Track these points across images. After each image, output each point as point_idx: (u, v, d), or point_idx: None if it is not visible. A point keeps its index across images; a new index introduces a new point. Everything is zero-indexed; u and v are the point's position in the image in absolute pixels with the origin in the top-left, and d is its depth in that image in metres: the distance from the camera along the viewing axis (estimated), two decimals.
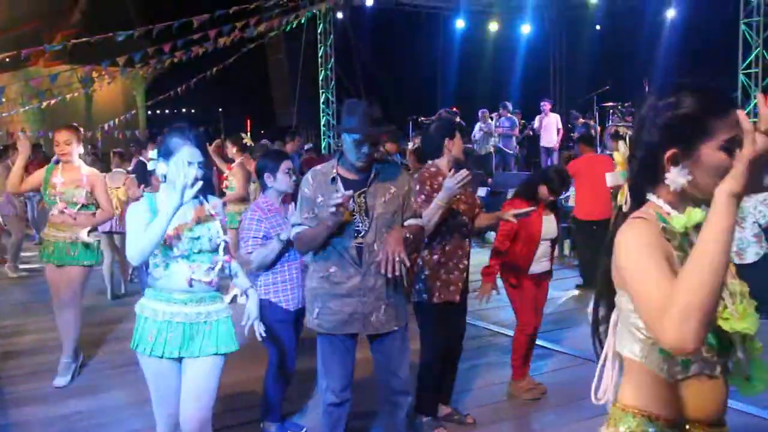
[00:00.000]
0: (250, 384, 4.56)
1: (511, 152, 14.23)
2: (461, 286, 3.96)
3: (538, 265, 4.56)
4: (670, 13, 15.87)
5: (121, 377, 5.10)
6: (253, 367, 4.50)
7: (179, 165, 2.89)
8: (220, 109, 31.43)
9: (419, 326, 4.01)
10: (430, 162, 4.03)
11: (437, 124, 4.18)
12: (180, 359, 3.00)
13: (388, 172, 3.30)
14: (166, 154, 2.94)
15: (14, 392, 4.92)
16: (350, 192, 3.08)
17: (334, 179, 3.21)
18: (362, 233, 3.18)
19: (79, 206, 4.93)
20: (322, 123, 18.54)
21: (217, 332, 3.01)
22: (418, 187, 3.81)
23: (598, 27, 18.10)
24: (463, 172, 3.62)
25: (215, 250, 3.01)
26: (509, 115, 14.35)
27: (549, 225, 4.55)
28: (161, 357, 2.94)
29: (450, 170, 3.90)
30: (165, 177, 2.98)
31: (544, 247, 4.55)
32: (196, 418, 2.98)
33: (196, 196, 2.95)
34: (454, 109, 14.88)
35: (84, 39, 10.00)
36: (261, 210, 3.92)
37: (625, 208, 1.70)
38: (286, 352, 3.93)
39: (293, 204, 3.75)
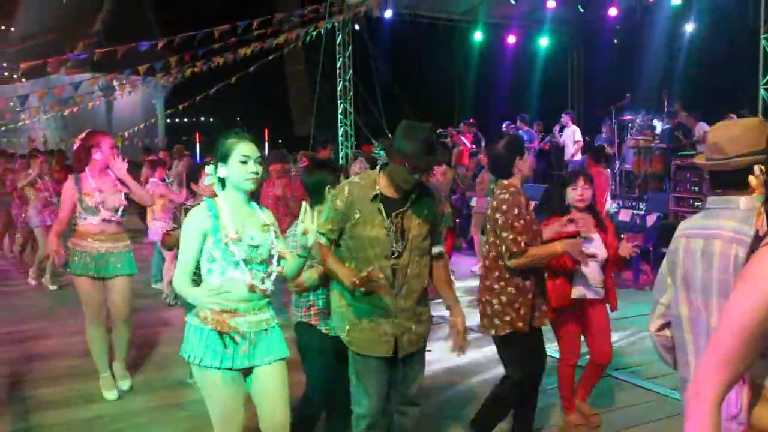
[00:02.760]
0: None
1: None
2: (545, 309, 3.80)
3: (580, 291, 4.18)
4: (689, 27, 15.82)
5: (143, 383, 5.15)
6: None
7: (238, 163, 2.87)
8: (239, 119, 31.64)
9: (509, 358, 3.81)
10: (505, 182, 3.74)
11: (506, 142, 3.81)
12: (242, 371, 2.93)
13: (424, 193, 3.23)
14: (223, 157, 2.91)
15: (36, 396, 4.98)
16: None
17: (376, 197, 3.12)
18: (396, 254, 3.12)
19: (121, 210, 4.92)
20: (340, 133, 18.61)
21: (272, 339, 2.99)
22: (515, 211, 3.58)
23: (615, 41, 18.08)
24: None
25: (270, 261, 2.96)
26: (527, 128, 14.34)
27: (594, 246, 4.14)
28: (230, 369, 2.86)
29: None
30: (223, 183, 2.94)
31: (590, 271, 4.16)
32: (282, 422, 2.96)
33: (250, 202, 2.99)
34: (472, 121, 14.90)
35: (108, 48, 10.13)
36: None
37: (761, 232, 1.69)
38: (319, 384, 3.64)
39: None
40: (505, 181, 3.74)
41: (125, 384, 5.02)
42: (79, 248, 4.81)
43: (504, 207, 3.61)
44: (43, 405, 4.80)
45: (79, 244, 4.81)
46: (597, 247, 4.15)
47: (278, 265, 2.99)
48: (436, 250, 3.33)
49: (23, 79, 20.68)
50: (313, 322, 3.55)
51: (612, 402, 4.76)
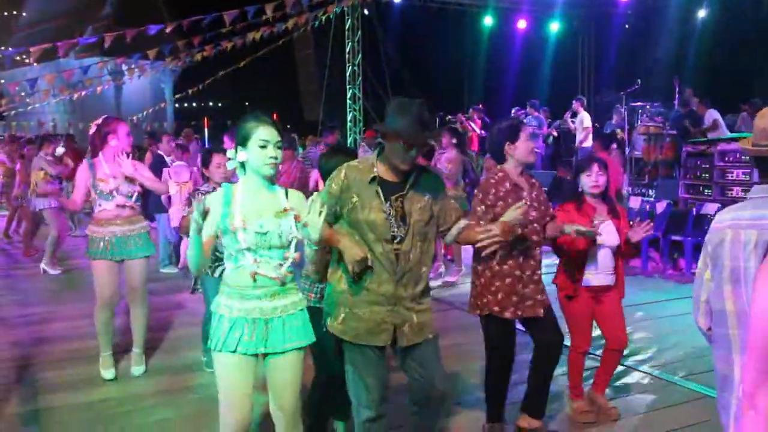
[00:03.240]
0: None
1: (538, 151, 14.14)
2: (541, 299, 3.75)
3: (596, 278, 4.14)
4: (702, 12, 15.66)
5: (151, 366, 5.17)
6: None
7: (257, 147, 2.85)
8: (247, 104, 31.62)
9: (485, 335, 3.84)
10: (498, 166, 3.80)
11: (497, 127, 3.85)
12: (256, 356, 2.93)
13: (425, 176, 3.14)
14: (242, 141, 2.88)
15: (44, 379, 5.01)
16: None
17: (373, 179, 3.03)
18: (398, 239, 3.02)
19: (135, 196, 4.94)
20: (349, 118, 18.59)
21: (292, 325, 2.94)
22: (480, 195, 3.67)
23: (627, 26, 17.93)
24: (521, 206, 3.29)
25: (286, 246, 2.92)
26: (536, 113, 14.26)
27: (607, 232, 4.08)
28: (234, 352, 2.86)
29: (521, 173, 3.76)
30: (244, 167, 2.92)
31: (602, 257, 4.13)
32: (289, 410, 2.97)
33: (272, 186, 2.96)
34: (481, 107, 14.83)
35: (117, 32, 10.12)
36: None
37: None
38: (332, 362, 3.57)
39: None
40: (498, 166, 3.81)
41: (139, 370, 5.03)
42: (98, 235, 4.84)
43: (476, 190, 3.75)
44: (51, 388, 4.82)
45: (98, 231, 4.85)
46: (610, 233, 4.10)
47: (296, 250, 2.95)
48: (461, 223, 3.20)
49: (34, 63, 20.69)
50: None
51: (620, 389, 4.74)
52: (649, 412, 4.38)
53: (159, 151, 8.94)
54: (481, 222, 3.54)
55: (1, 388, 4.79)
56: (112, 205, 4.84)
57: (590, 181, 4.14)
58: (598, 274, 4.14)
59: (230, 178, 4.70)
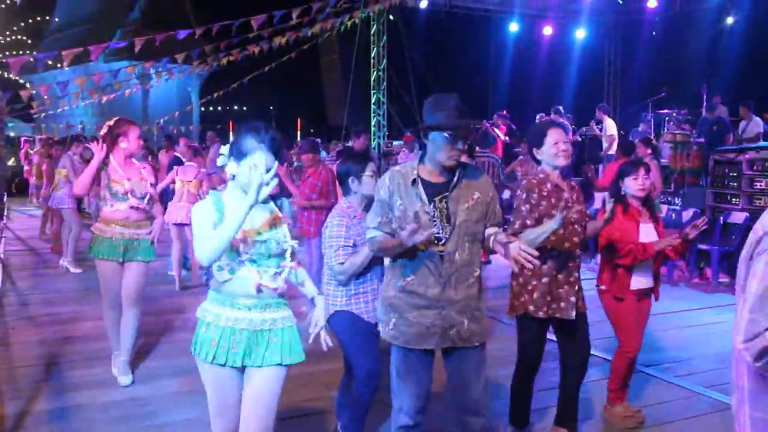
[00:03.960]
0: (311, 394, 4.56)
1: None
2: (573, 301, 3.70)
3: (638, 281, 4.16)
4: (730, 19, 15.49)
5: (177, 366, 5.22)
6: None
7: (250, 168, 2.72)
8: (272, 108, 31.81)
9: (518, 339, 3.85)
10: (539, 167, 3.79)
11: (528, 131, 3.91)
12: (242, 368, 2.84)
13: (471, 176, 3.08)
14: (238, 155, 2.77)
15: (71, 377, 5.09)
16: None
17: (414, 182, 3.00)
18: (443, 241, 2.96)
19: (147, 198, 4.95)
20: (373, 123, 18.63)
21: (282, 341, 2.84)
22: (524, 195, 3.64)
23: (653, 33, 17.78)
24: (565, 208, 3.40)
25: (282, 255, 2.84)
26: (561, 120, 14.17)
27: (647, 235, 4.14)
28: (224, 365, 2.78)
29: (560, 176, 3.74)
30: (233, 177, 2.81)
31: (645, 262, 4.13)
32: (260, 425, 2.82)
33: (265, 200, 2.80)
34: (506, 113, 14.79)
35: (147, 36, 10.26)
36: (347, 217, 3.63)
37: None
38: (368, 363, 3.65)
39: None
40: (538, 167, 3.79)
41: (126, 380, 4.93)
42: (105, 234, 4.85)
43: (518, 191, 3.77)
44: (78, 386, 4.90)
45: (105, 230, 4.86)
46: (650, 236, 4.13)
47: (291, 260, 2.86)
48: (492, 230, 3.12)
49: (65, 67, 21.05)
50: (354, 310, 3.62)
51: (643, 398, 4.70)
52: (672, 422, 4.35)
53: (176, 153, 9.05)
54: (527, 222, 3.55)
55: (29, 386, 4.87)
56: (126, 206, 4.85)
57: (636, 184, 4.14)
58: (642, 277, 4.15)
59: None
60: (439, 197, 2.99)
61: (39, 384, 4.93)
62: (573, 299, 3.70)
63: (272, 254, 2.80)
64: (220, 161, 2.86)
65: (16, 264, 9.68)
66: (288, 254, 2.85)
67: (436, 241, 2.96)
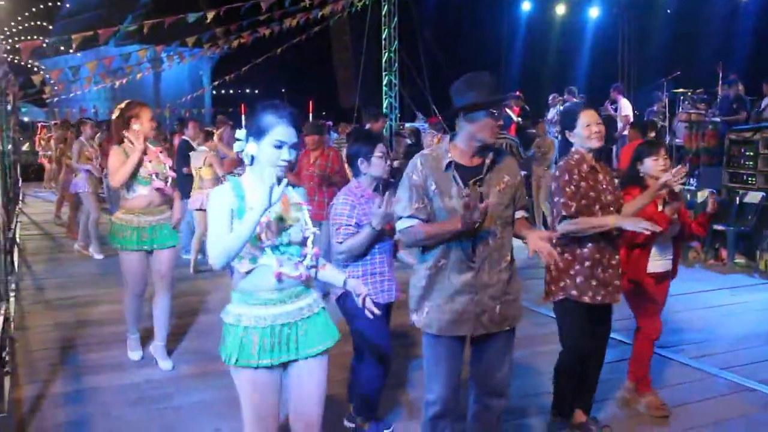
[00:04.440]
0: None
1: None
2: (618, 285, 3.68)
3: (656, 264, 4.09)
4: None
5: (191, 349, 5.28)
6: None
7: (271, 146, 2.59)
8: (283, 90, 31.72)
9: (560, 326, 3.80)
10: (573, 149, 3.73)
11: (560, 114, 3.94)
12: (282, 366, 2.71)
13: (500, 158, 3.03)
14: (257, 134, 2.60)
15: (88, 360, 5.13)
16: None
17: (449, 165, 2.93)
18: (476, 224, 2.87)
19: (170, 181, 4.91)
20: (384, 105, 18.55)
21: (317, 327, 2.74)
22: (566, 177, 3.58)
23: (668, 11, 17.53)
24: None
25: (304, 243, 2.71)
26: (574, 99, 14.05)
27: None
28: (264, 368, 2.62)
29: (594, 158, 3.66)
30: (252, 159, 2.65)
31: (663, 243, 4.08)
32: (312, 423, 2.75)
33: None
34: (518, 93, 14.67)
35: (157, 20, 10.24)
36: (354, 196, 3.62)
37: None
38: (380, 346, 3.69)
39: (385, 194, 3.41)
40: (573, 149, 3.73)
41: (168, 364, 4.95)
42: (130, 223, 4.78)
43: (557, 173, 3.68)
44: (95, 369, 4.94)
45: (129, 219, 4.79)
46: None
47: (314, 245, 2.74)
48: (519, 214, 3.11)
49: (76, 53, 21.08)
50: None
51: (659, 380, 4.67)
52: (688, 404, 4.33)
53: (185, 137, 8.99)
54: (574, 203, 3.52)
55: (46, 369, 4.92)
56: (148, 190, 4.78)
57: (658, 165, 4.05)
58: (660, 260, 4.09)
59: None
60: (473, 180, 2.94)
61: (55, 367, 4.98)
62: (617, 283, 3.67)
63: (294, 242, 2.67)
64: (236, 147, 2.73)
65: (31, 248, 9.76)
66: (310, 241, 2.72)
67: (474, 226, 2.88)
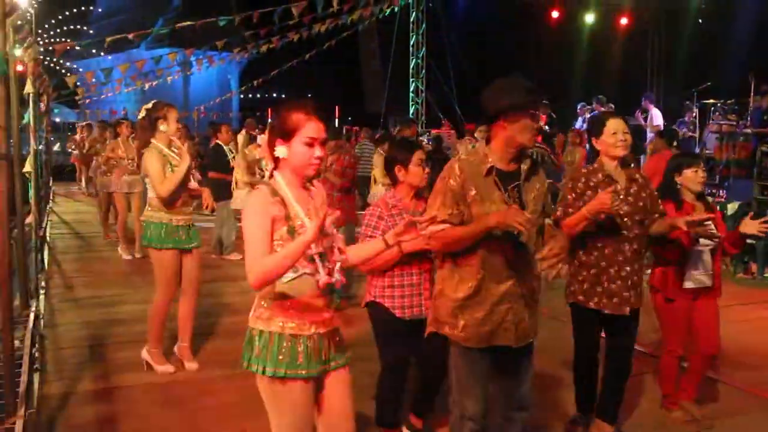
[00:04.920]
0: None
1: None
2: (627, 297, 3.59)
3: (695, 279, 4.00)
4: None
5: (218, 350, 5.31)
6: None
7: (302, 145, 2.48)
8: (310, 95, 31.88)
9: (573, 329, 3.83)
10: (599, 158, 3.71)
11: (588, 121, 3.92)
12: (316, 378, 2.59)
13: (535, 166, 3.01)
14: (285, 134, 2.50)
15: (115, 359, 5.19)
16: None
17: (490, 170, 2.89)
18: (518, 232, 2.83)
19: (197, 183, 4.98)
20: (411, 112, 18.58)
21: (340, 336, 2.66)
22: (570, 184, 3.63)
23: (700, 20, 17.36)
24: (611, 196, 3.31)
25: (332, 250, 2.59)
26: (602, 109, 13.95)
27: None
28: (312, 377, 2.51)
29: (617, 166, 3.64)
30: (278, 161, 2.55)
31: (702, 257, 4.00)
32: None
33: (308, 188, 2.62)
34: (546, 101, 14.60)
35: (188, 23, 10.34)
36: (385, 206, 3.55)
37: None
38: (394, 356, 3.61)
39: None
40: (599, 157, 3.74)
41: (194, 365, 4.98)
42: (159, 220, 4.77)
43: (565, 179, 3.66)
44: (123, 367, 4.99)
45: (158, 216, 4.78)
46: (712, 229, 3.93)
47: (340, 252, 2.62)
48: (548, 221, 3.12)
49: (105, 54, 21.38)
50: (387, 304, 3.57)
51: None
52: (719, 419, 4.25)
53: (218, 141, 9.08)
54: (569, 210, 3.55)
55: (74, 367, 4.98)
56: (181, 190, 4.79)
57: (697, 177, 4.00)
58: (697, 275, 4.01)
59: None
60: (512, 186, 2.91)
61: (83, 365, 5.04)
62: (627, 295, 3.60)
63: (329, 248, 2.57)
64: (259, 153, 2.68)
65: (61, 247, 9.89)
66: (336, 249, 2.60)
67: (516, 233, 2.85)
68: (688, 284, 4.00)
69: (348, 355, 2.68)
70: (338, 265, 2.58)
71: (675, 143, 9.13)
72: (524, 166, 2.95)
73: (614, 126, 3.62)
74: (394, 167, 3.61)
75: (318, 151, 2.50)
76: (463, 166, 2.91)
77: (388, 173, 3.71)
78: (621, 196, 3.55)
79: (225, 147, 8.85)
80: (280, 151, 2.51)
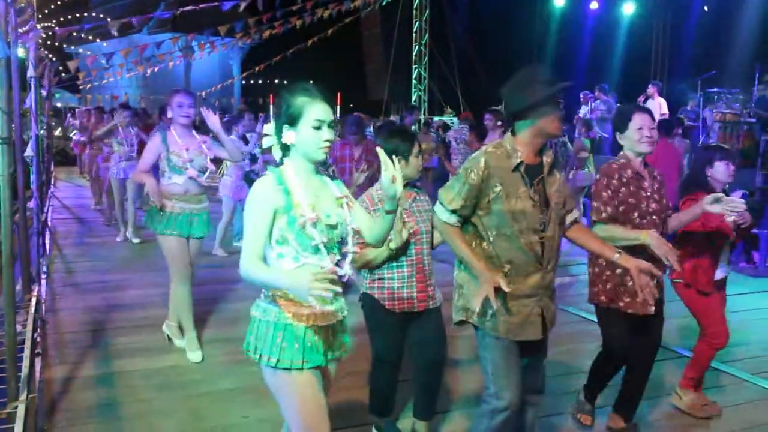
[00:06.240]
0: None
1: (608, 136, 13.79)
2: (655, 296, 3.40)
3: (721, 270, 4.03)
4: None
5: (219, 336, 5.31)
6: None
7: (310, 128, 2.41)
8: (311, 81, 31.72)
9: (601, 329, 3.74)
10: (622, 152, 3.64)
11: (614, 114, 3.71)
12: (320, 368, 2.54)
13: (555, 158, 2.97)
14: (291, 120, 2.42)
15: (117, 344, 5.19)
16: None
17: (518, 166, 2.83)
18: (543, 227, 2.83)
19: (207, 172, 4.87)
20: (413, 99, 18.51)
21: (343, 332, 2.61)
22: (605, 180, 3.52)
23: (705, 8, 17.24)
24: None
25: (344, 241, 2.54)
26: (605, 97, 13.91)
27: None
28: (309, 368, 2.46)
29: (641, 163, 3.57)
30: (286, 149, 2.50)
31: (723, 250, 4.02)
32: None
33: (319, 172, 2.55)
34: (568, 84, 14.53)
35: (190, 8, 10.30)
36: (371, 202, 3.38)
37: None
38: (383, 349, 3.54)
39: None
40: (621, 152, 3.66)
41: (198, 356, 4.90)
42: (167, 209, 4.76)
43: (598, 176, 3.60)
44: (123, 353, 4.99)
45: (166, 205, 4.76)
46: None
47: (354, 244, 2.57)
48: (574, 215, 3.07)
49: (107, 39, 21.29)
50: (377, 296, 3.46)
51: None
52: (722, 408, 4.26)
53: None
54: (608, 208, 3.44)
55: (75, 352, 4.98)
56: (183, 178, 4.77)
57: (729, 170, 3.95)
58: (722, 267, 4.03)
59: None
60: (537, 180, 2.86)
61: (85, 350, 5.04)
62: (654, 294, 3.50)
63: (339, 239, 2.52)
64: (266, 143, 2.59)
65: (62, 232, 9.90)
66: (350, 238, 2.54)
67: (541, 228, 2.84)
68: (719, 274, 4.00)
69: (344, 349, 2.61)
70: (349, 257, 2.53)
71: (680, 130, 9.10)
72: (547, 159, 2.91)
73: (641, 121, 3.54)
74: (396, 157, 3.50)
75: (327, 134, 2.43)
76: (488, 160, 2.84)
77: None
78: (648, 193, 3.51)
79: (247, 135, 8.83)
80: (288, 137, 2.44)
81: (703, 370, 4.18)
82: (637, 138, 3.53)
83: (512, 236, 2.82)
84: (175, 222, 4.79)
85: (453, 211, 2.88)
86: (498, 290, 2.73)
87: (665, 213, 3.62)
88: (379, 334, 3.55)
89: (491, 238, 2.86)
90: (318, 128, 2.41)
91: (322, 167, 2.59)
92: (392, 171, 2.41)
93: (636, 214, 3.49)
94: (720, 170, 3.95)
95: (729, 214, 3.37)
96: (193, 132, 4.92)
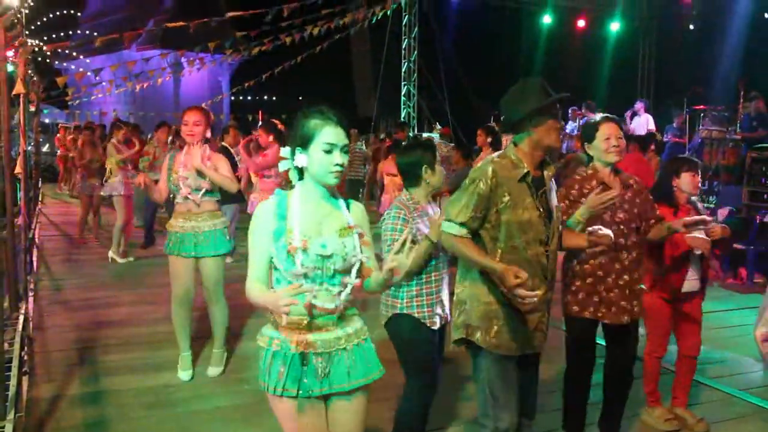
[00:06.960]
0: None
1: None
2: (626, 306, 3.50)
3: (687, 283, 4.01)
4: None
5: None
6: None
7: (320, 152, 2.36)
8: (301, 98, 31.80)
9: (566, 345, 3.73)
10: (591, 163, 3.61)
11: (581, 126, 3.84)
12: (324, 398, 2.48)
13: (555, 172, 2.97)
14: (302, 143, 2.38)
15: (106, 362, 5.14)
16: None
17: (525, 176, 2.81)
18: (547, 239, 2.82)
19: (203, 192, 4.68)
20: (402, 115, 18.58)
21: (361, 357, 2.48)
22: (563, 191, 3.51)
23: (691, 26, 17.46)
24: (612, 193, 3.20)
25: (348, 271, 2.43)
26: (592, 114, 14.00)
27: (700, 235, 3.83)
28: (296, 396, 2.41)
29: (612, 173, 3.55)
30: (300, 173, 2.46)
31: (694, 262, 4.01)
32: None
33: (334, 196, 2.49)
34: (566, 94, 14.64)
35: (179, 24, 10.31)
36: (407, 209, 3.34)
37: None
38: (429, 379, 3.43)
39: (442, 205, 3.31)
40: (592, 163, 3.64)
41: (216, 371, 4.88)
42: (171, 228, 4.76)
43: (562, 189, 3.59)
44: (113, 371, 4.95)
45: (172, 224, 4.77)
46: (700, 235, 3.89)
47: (357, 276, 2.46)
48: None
49: (95, 55, 21.25)
50: (416, 315, 3.34)
51: None
52: (711, 424, 4.26)
53: (224, 143, 9.01)
54: (564, 218, 3.36)
55: (64, 370, 4.94)
56: (180, 198, 4.72)
57: (695, 181, 4.00)
58: (692, 280, 4.03)
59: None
60: (540, 191, 2.86)
61: (73, 368, 5.00)
62: (625, 304, 3.51)
63: (336, 271, 2.40)
64: (281, 167, 2.53)
65: (50, 249, 9.82)
66: (354, 270, 2.44)
67: (545, 239, 2.83)
68: (686, 287, 4.01)
69: (358, 383, 2.47)
70: (347, 289, 2.44)
71: (653, 147, 9.19)
72: (548, 173, 2.91)
73: (607, 131, 3.52)
74: (420, 168, 3.39)
75: (338, 158, 2.37)
76: (496, 169, 2.82)
77: (406, 175, 3.47)
78: (616, 203, 3.45)
79: (231, 150, 8.79)
80: (300, 160, 2.40)
81: (654, 381, 4.20)
82: (604, 148, 3.51)
83: (520, 248, 2.80)
84: (177, 241, 4.72)
85: (462, 224, 2.83)
86: (508, 304, 2.77)
87: (638, 221, 3.57)
88: (419, 363, 3.40)
89: (499, 251, 2.83)
90: (329, 152, 2.36)
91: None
92: (398, 259, 2.32)
93: (598, 224, 3.39)
94: (686, 181, 3.99)
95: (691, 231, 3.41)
96: (206, 148, 4.78)
